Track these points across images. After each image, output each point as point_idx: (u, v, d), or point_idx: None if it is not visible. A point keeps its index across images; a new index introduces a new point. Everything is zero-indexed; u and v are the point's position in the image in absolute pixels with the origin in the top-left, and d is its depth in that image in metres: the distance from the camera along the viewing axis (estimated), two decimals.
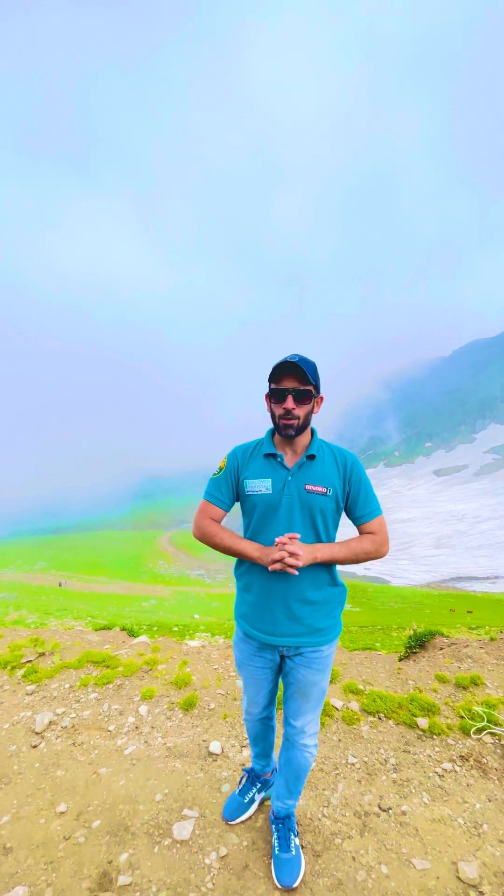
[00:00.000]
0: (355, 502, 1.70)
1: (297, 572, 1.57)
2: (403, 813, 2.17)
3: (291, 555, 1.54)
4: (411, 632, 4.19)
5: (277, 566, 1.54)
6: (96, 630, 4.79)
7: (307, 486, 1.65)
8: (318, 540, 1.69)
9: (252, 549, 1.68)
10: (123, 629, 4.75)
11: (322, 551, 1.62)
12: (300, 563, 1.54)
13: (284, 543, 1.56)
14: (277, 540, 1.59)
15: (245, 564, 1.79)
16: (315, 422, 1.79)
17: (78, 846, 1.93)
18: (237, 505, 1.86)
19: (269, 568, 1.56)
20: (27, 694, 3.22)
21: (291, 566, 1.54)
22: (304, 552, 1.57)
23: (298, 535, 1.60)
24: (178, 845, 1.95)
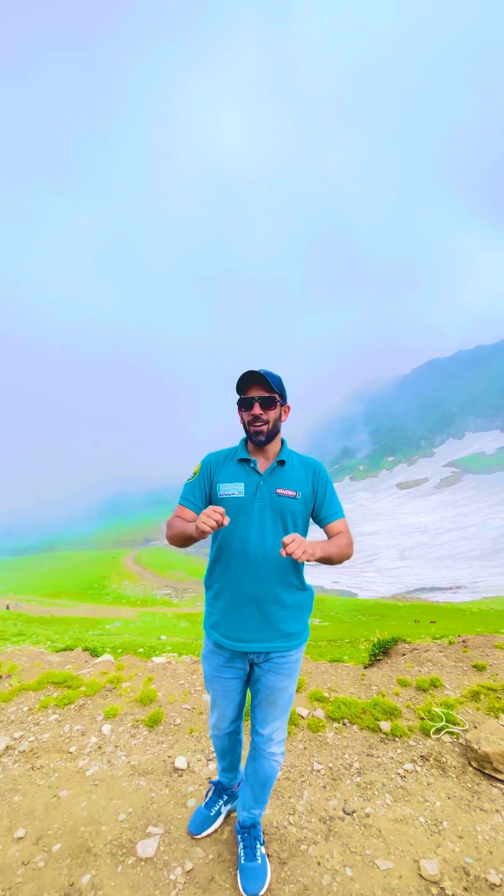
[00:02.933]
0: (321, 505, 1.81)
1: (300, 558, 1.46)
2: (367, 815, 2.21)
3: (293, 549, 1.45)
4: (375, 639, 4.29)
5: (297, 556, 1.43)
6: (57, 652, 4.63)
7: (278, 490, 1.74)
8: None
9: (190, 524, 1.64)
10: (86, 649, 4.62)
11: (317, 549, 1.57)
12: (306, 557, 1.47)
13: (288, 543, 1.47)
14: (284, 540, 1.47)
15: (216, 572, 1.82)
16: (286, 436, 1.89)
17: (38, 871, 1.86)
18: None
19: (281, 552, 1.45)
20: None
21: (296, 556, 1.44)
22: (309, 549, 1.50)
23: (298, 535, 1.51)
24: (143, 863, 1.91)
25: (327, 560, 1.65)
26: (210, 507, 1.52)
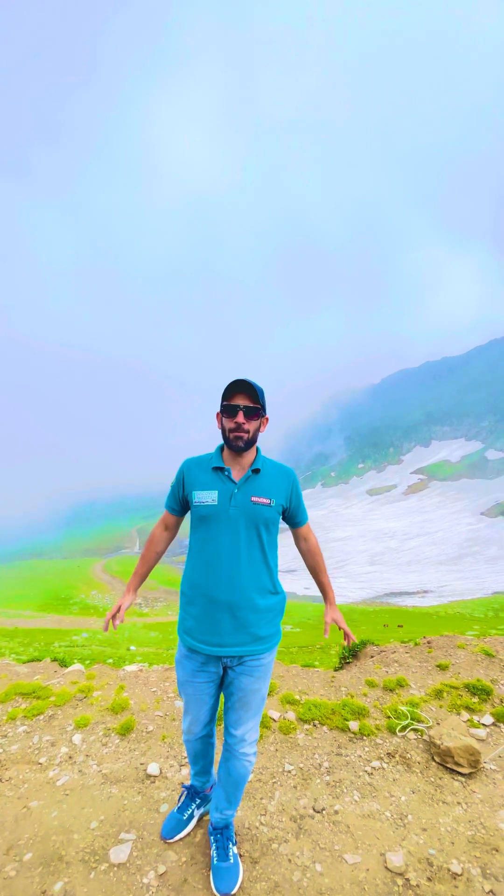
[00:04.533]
0: (295, 511, 1.95)
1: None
2: (336, 812, 2.28)
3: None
4: (344, 643, 4.39)
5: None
6: (24, 663, 4.51)
7: (253, 498, 1.81)
8: (261, 545, 1.84)
9: (126, 589, 2.00)
10: (55, 659, 4.52)
11: (334, 601, 2.11)
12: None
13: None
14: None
15: (191, 578, 1.87)
16: (259, 443, 1.98)
17: (9, 880, 1.84)
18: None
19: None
20: None
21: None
22: (341, 617, 2.09)
23: None
24: (116, 868, 1.92)
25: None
26: (115, 612, 1.89)
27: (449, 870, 1.96)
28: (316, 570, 2.09)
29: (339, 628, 2.05)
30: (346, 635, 2.05)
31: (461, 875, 1.94)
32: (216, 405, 1.86)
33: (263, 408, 1.84)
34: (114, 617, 1.87)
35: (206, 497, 1.82)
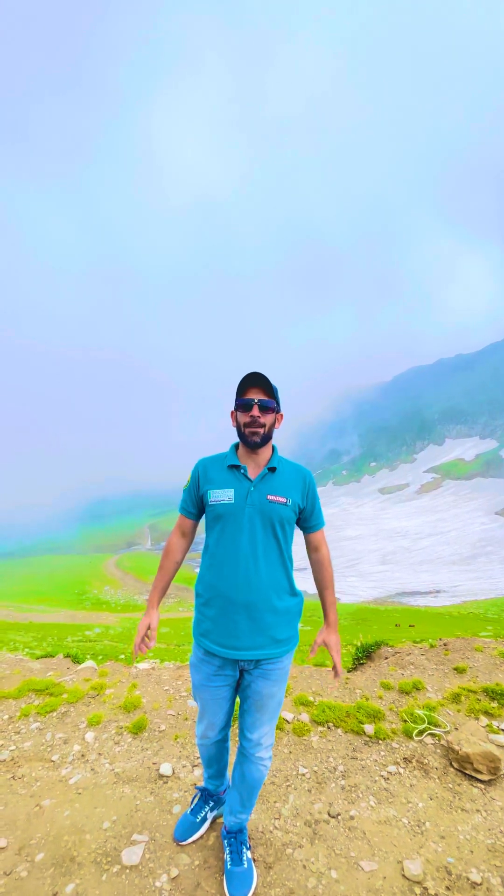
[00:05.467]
0: (310, 514, 1.88)
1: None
2: (352, 818, 2.23)
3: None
4: (358, 644, 4.33)
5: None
6: (37, 659, 4.54)
7: (269, 497, 1.76)
8: (278, 544, 1.79)
9: (148, 606, 1.90)
10: (68, 656, 4.54)
11: (334, 624, 1.94)
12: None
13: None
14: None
15: (207, 579, 1.82)
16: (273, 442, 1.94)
17: (20, 881, 1.83)
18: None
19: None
20: None
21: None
22: (337, 643, 1.92)
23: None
24: (128, 871, 1.89)
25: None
26: (144, 635, 1.84)
27: (468, 879, 1.91)
28: (322, 585, 1.96)
29: (331, 656, 1.89)
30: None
31: (481, 884, 1.88)
32: (228, 404, 1.84)
33: (278, 403, 1.81)
34: (143, 641, 1.83)
35: (222, 495, 1.78)
